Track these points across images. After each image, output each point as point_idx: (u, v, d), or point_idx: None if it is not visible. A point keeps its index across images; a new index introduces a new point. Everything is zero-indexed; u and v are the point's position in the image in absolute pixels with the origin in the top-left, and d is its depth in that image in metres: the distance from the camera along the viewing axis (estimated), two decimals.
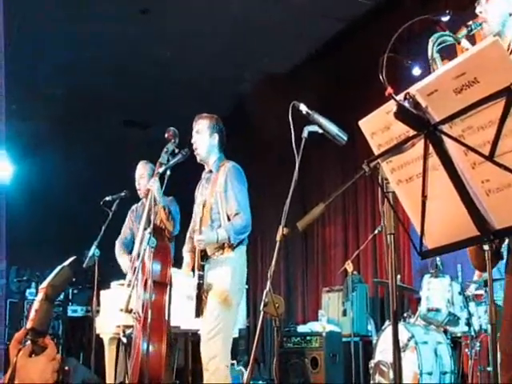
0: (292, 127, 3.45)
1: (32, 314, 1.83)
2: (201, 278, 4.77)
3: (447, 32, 2.86)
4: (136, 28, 8.27)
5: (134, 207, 6.47)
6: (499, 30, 2.96)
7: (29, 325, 1.81)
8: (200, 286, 4.74)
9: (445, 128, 1.99)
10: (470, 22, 2.94)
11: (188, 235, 5.14)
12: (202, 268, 4.80)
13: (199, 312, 4.74)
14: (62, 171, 10.89)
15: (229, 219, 4.88)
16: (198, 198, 5.10)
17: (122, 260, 6.12)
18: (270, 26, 8.36)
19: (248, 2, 7.90)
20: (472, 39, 2.94)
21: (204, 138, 5.07)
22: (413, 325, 6.08)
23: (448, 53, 2.84)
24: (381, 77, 2.25)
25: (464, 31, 2.89)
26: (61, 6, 7.88)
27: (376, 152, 2.29)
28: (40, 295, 1.85)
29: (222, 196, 4.92)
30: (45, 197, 11.05)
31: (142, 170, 6.30)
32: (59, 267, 1.89)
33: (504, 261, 2.99)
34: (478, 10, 3.02)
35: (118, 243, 6.28)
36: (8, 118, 8.33)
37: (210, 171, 5.10)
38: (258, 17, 8.14)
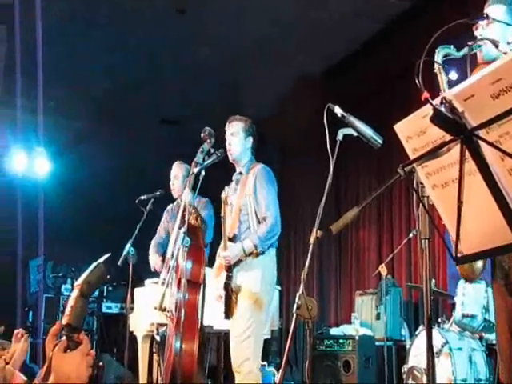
0: (327, 129, 3.43)
1: (67, 310, 1.85)
2: (228, 278, 4.83)
3: (451, 46, 2.91)
4: (173, 28, 8.30)
5: (169, 207, 6.50)
6: (496, 56, 2.99)
7: (64, 320, 1.84)
8: (227, 286, 4.78)
9: (481, 133, 1.98)
10: (471, 43, 2.98)
11: (219, 250, 5.14)
12: (229, 269, 4.85)
13: (228, 313, 4.78)
14: (99, 169, 10.97)
15: (259, 221, 4.93)
16: (223, 206, 5.10)
17: (152, 258, 6.17)
18: (305, 27, 8.32)
19: (284, 3, 7.87)
20: (474, 58, 3.01)
21: (239, 140, 5.13)
22: (447, 330, 6.02)
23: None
24: (417, 81, 2.24)
25: (466, 49, 2.94)
26: (100, 7, 7.93)
27: (411, 156, 2.28)
28: (75, 292, 1.87)
29: (251, 198, 4.97)
30: (81, 194, 11.17)
31: (176, 170, 6.34)
32: (94, 264, 1.92)
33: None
34: (477, 34, 3.07)
35: (152, 243, 6.33)
36: (46, 115, 8.47)
37: (240, 173, 5.15)
38: (293, 18, 8.11)
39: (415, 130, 2.20)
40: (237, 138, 5.12)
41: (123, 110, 10.42)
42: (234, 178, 5.22)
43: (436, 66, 2.85)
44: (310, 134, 8.53)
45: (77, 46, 8.74)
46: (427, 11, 7.55)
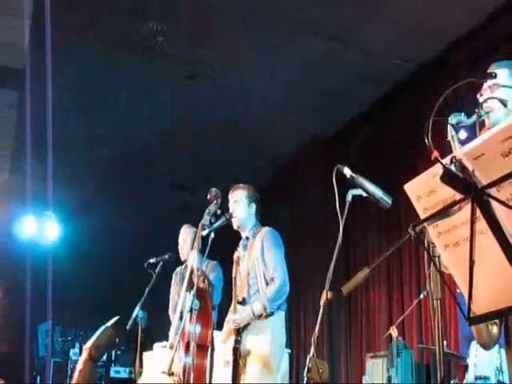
0: (336, 190, 3.44)
1: (76, 375, 1.83)
2: (237, 342, 4.77)
3: (462, 114, 2.92)
4: (184, 93, 8.40)
5: (177, 270, 6.48)
6: (504, 117, 2.99)
7: None
8: (236, 351, 4.71)
9: (492, 191, 1.97)
10: (478, 110, 2.99)
11: (227, 317, 5.08)
12: (238, 333, 4.81)
13: (236, 378, 4.70)
14: (108, 232, 11.01)
15: (267, 283, 4.94)
16: (235, 266, 5.08)
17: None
18: (313, 90, 8.42)
19: (295, 66, 7.97)
20: (482, 123, 3.00)
21: (242, 207, 5.20)
22: None
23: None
24: (426, 140, 2.25)
25: (474, 117, 2.94)
26: (112, 72, 8.04)
27: (422, 216, 2.27)
28: (84, 355, 1.87)
29: (259, 261, 5.00)
30: (90, 258, 11.17)
31: (184, 234, 6.37)
32: (103, 327, 1.91)
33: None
34: (482, 100, 3.09)
35: (170, 310, 6.27)
36: (55, 180, 8.53)
37: (247, 238, 5.18)
38: (303, 80, 8.21)
39: (425, 190, 2.20)
40: (240, 205, 5.20)
41: (133, 176, 10.47)
42: (240, 244, 5.24)
43: (449, 133, 2.86)
44: (319, 196, 8.58)
45: (88, 112, 8.84)
46: (436, 73, 7.62)
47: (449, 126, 2.89)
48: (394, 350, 7.30)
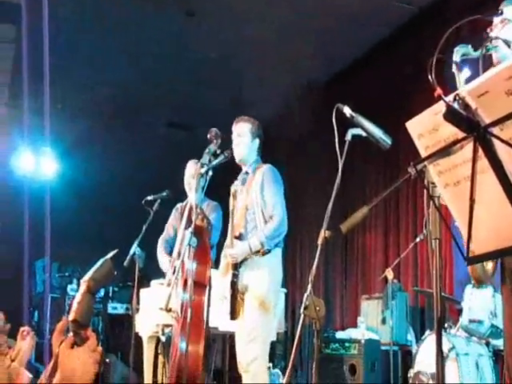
0: (336, 129, 3.37)
1: (74, 306, 1.83)
2: (235, 276, 4.83)
3: (469, 46, 2.92)
4: (182, 29, 8.28)
5: (178, 205, 6.41)
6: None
7: (71, 316, 1.80)
8: (234, 285, 4.78)
9: (495, 130, 1.95)
10: (487, 43, 2.98)
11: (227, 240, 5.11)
12: (235, 267, 4.85)
13: (234, 313, 4.77)
14: (106, 169, 10.98)
15: (265, 220, 4.92)
16: (231, 200, 5.10)
17: (162, 259, 6.09)
18: (312, 31, 8.29)
19: (294, 7, 7.83)
20: (487, 59, 2.99)
21: (245, 141, 5.14)
22: (454, 335, 5.95)
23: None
24: (430, 77, 2.21)
25: (482, 49, 2.93)
26: (109, 9, 7.91)
27: (423, 154, 2.25)
28: (82, 288, 1.85)
29: (258, 197, 4.98)
30: (88, 195, 11.16)
31: (191, 169, 6.17)
32: (101, 260, 1.89)
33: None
34: (493, 34, 3.07)
35: (160, 241, 6.26)
36: (53, 116, 8.47)
37: (247, 173, 5.15)
38: (302, 22, 8.07)
39: (427, 128, 2.17)
40: (244, 139, 5.14)
41: (131, 112, 10.39)
42: (239, 177, 5.21)
43: (454, 65, 2.84)
44: (317, 134, 8.53)
45: (84, 48, 8.72)
46: (437, 15, 7.49)
47: (454, 56, 2.88)
48: (389, 293, 7.35)
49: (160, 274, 6.09)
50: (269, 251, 4.89)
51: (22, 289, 9.87)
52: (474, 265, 2.96)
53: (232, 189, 5.14)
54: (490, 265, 3.01)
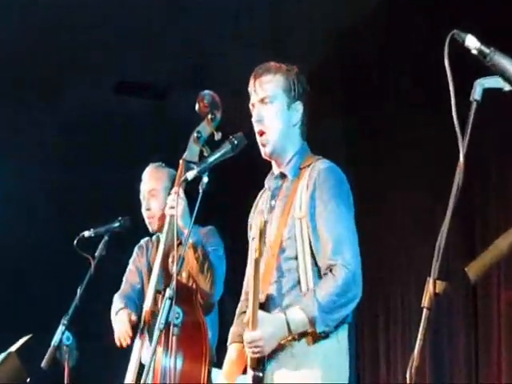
0: (451, 81, 1.95)
1: None
2: (257, 381, 3.03)
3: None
4: None
5: (142, 242, 4.37)
6: None
7: None
8: None
9: None
10: None
11: (239, 306, 3.32)
12: (258, 364, 3.03)
13: None
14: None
15: (319, 272, 3.04)
16: (253, 236, 3.21)
17: (121, 325, 3.99)
18: None
19: None
20: None
21: (278, 111, 3.10)
22: None
23: None
24: None
25: None
26: None
27: None
28: None
29: (303, 224, 3.06)
30: None
31: (152, 180, 4.09)
32: (3, 354, 0.60)
33: None
34: None
35: (116, 297, 4.28)
36: None
37: (283, 175, 3.15)
38: None
39: None
40: (273, 108, 3.08)
41: (44, 72, 6.54)
42: (267, 184, 3.24)
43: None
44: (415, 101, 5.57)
45: None
46: None
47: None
48: None
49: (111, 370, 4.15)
50: (325, 335, 2.98)
51: None
52: None
53: (250, 220, 3.31)
54: None
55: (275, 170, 3.19)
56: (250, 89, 3.12)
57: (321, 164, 3.04)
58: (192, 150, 3.47)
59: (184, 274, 3.68)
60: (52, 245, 5.66)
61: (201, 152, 3.47)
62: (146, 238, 4.38)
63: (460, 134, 2.03)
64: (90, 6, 5.66)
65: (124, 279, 4.39)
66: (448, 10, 5.13)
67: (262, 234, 2.93)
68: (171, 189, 3.79)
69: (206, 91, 3.42)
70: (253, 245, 3.12)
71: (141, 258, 4.38)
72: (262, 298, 3.01)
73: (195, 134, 3.44)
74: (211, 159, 3.04)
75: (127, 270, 4.44)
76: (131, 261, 4.43)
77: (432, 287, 2.03)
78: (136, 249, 4.42)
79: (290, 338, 2.97)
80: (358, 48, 6.01)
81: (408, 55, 5.54)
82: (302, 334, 2.96)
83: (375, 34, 5.78)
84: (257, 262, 2.94)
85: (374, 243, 4.25)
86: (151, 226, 4.12)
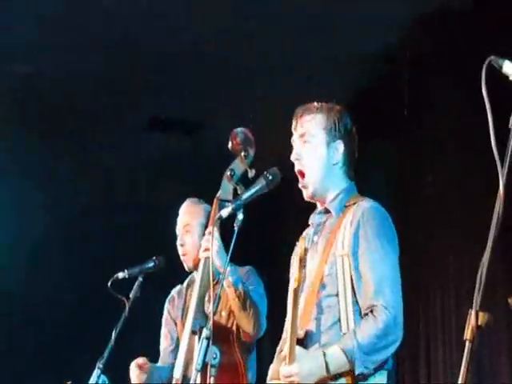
0: (489, 108, 1.93)
1: None
2: None
3: None
4: None
5: (174, 293, 4.22)
6: None
7: None
8: None
9: None
10: None
11: (280, 344, 3.20)
12: None
13: None
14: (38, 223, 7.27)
15: (359, 311, 2.96)
16: (294, 272, 3.08)
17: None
18: None
19: None
20: None
21: (317, 150, 3.09)
22: None
23: None
24: None
25: None
26: None
27: None
28: None
29: (345, 262, 3.00)
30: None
31: (187, 215, 3.99)
32: None
33: None
34: None
35: (162, 354, 4.16)
36: None
37: (327, 211, 3.11)
38: None
39: None
40: (313, 147, 3.08)
41: (76, 113, 6.44)
42: (311, 220, 3.20)
43: None
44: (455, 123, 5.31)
45: None
46: None
47: None
48: None
49: None
50: (364, 376, 2.86)
51: None
52: None
53: (293, 258, 3.13)
54: None
55: (319, 207, 3.15)
56: (292, 129, 3.10)
57: (366, 203, 3.01)
58: (225, 188, 3.40)
59: (223, 313, 3.60)
60: (87, 287, 5.61)
61: (235, 190, 3.39)
62: (178, 287, 4.24)
63: (499, 162, 1.98)
64: None
65: (162, 335, 4.24)
66: (484, 36, 4.89)
67: (302, 261, 2.87)
68: (207, 225, 3.72)
69: (239, 128, 3.37)
70: (293, 279, 3.04)
71: (171, 312, 4.21)
72: (301, 334, 2.94)
73: (228, 173, 3.37)
74: (245, 196, 2.99)
75: (163, 326, 4.25)
76: (164, 318, 4.25)
77: (474, 319, 1.97)
78: (166, 304, 4.26)
79: (327, 378, 2.86)
80: None
81: None
82: (340, 376, 2.86)
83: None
84: (295, 292, 2.88)
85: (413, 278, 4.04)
86: (186, 263, 4.01)
